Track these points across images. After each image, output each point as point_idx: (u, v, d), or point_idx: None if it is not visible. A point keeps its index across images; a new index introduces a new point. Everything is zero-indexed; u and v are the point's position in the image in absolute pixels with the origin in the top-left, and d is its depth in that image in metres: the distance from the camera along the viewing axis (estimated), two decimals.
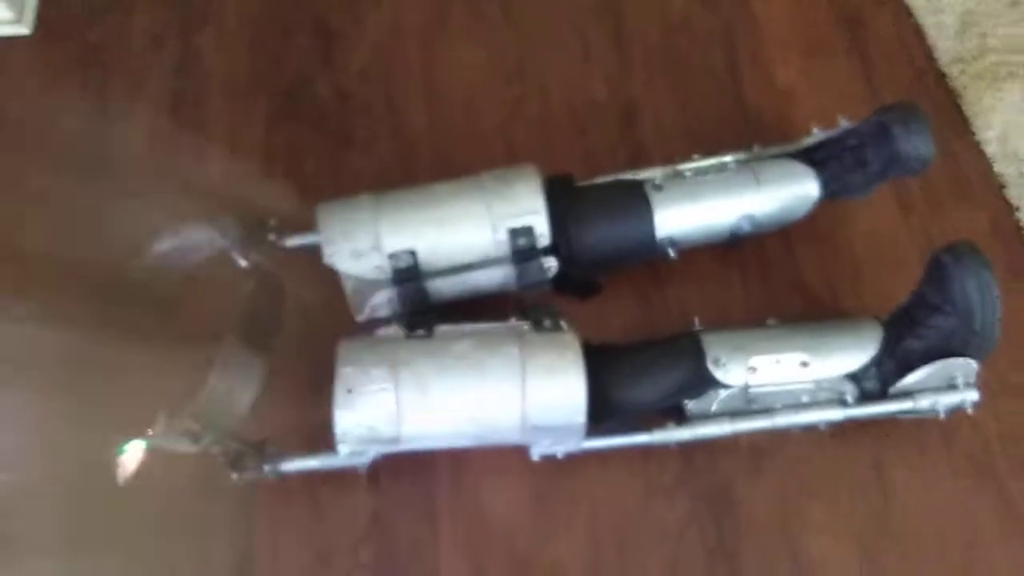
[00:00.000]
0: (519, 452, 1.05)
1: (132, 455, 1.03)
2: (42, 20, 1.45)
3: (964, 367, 1.02)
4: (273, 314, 1.08)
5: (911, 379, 1.02)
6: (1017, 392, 1.13)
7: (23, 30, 1.44)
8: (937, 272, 1.00)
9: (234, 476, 1.01)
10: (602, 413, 1.02)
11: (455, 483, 1.09)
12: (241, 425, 1.02)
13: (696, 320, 1.10)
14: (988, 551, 1.05)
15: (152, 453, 1.09)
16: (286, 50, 1.42)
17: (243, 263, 1.06)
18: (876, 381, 1.05)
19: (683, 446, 1.08)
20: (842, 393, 1.04)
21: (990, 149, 1.30)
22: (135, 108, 1.37)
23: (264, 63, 1.41)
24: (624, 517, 1.07)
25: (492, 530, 1.07)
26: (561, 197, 1.12)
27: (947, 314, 1.00)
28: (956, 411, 1.05)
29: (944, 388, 1.03)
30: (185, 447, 0.99)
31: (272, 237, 1.16)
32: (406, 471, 1.09)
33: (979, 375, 1.03)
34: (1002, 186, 1.27)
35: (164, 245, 1.12)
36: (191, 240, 1.13)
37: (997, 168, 1.28)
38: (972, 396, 1.03)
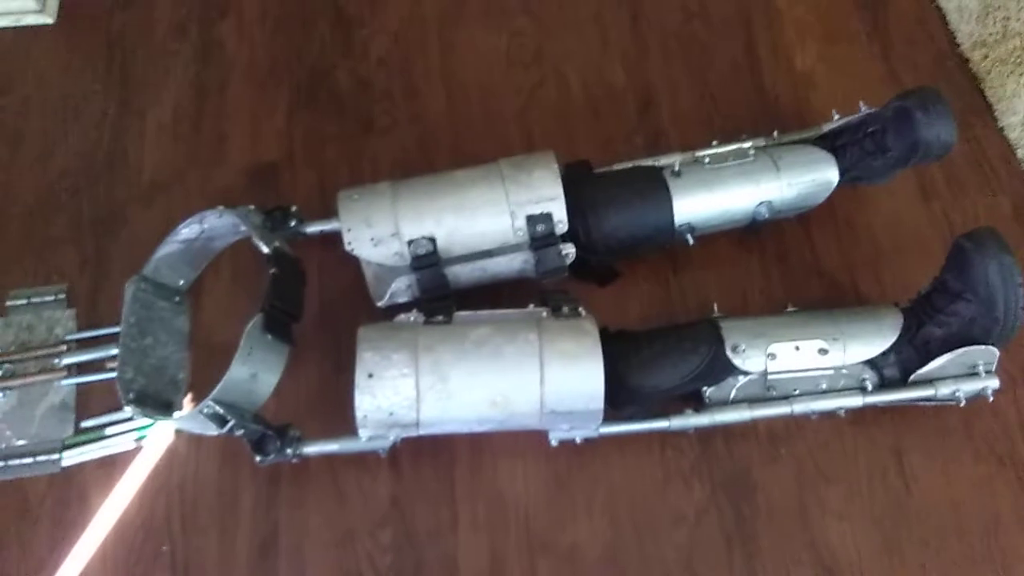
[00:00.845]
0: (538, 437, 1.05)
1: (157, 436, 1.06)
2: (65, 9, 1.47)
3: (985, 354, 1.01)
4: (295, 300, 1.09)
5: (931, 366, 1.02)
6: None
7: (47, 19, 1.46)
8: (958, 259, 1.00)
9: (257, 459, 1.02)
10: (620, 399, 1.03)
11: (474, 467, 1.11)
12: (264, 409, 1.04)
13: (715, 306, 1.10)
14: (1008, 538, 1.05)
15: (178, 435, 1.13)
16: (306, 39, 1.43)
17: (265, 249, 1.07)
18: (896, 368, 1.04)
19: (701, 432, 1.08)
20: (862, 380, 1.04)
21: (1014, 135, 1.28)
22: (158, 96, 1.38)
23: (285, 52, 1.42)
24: (642, 502, 1.08)
25: (510, 514, 1.08)
26: (579, 184, 1.12)
27: (968, 301, 0.99)
28: (976, 399, 1.04)
29: (965, 376, 1.03)
30: (210, 430, 1.01)
31: (293, 224, 1.17)
32: (426, 455, 1.10)
33: (999, 362, 1.02)
34: None
35: (189, 232, 1.14)
36: (214, 227, 1.14)
37: (1021, 153, 1.27)
38: (993, 384, 1.03)
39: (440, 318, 1.04)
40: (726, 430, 1.09)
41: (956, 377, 1.03)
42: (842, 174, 1.14)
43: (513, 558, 1.06)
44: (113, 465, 1.12)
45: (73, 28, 1.46)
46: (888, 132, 1.09)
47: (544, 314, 1.04)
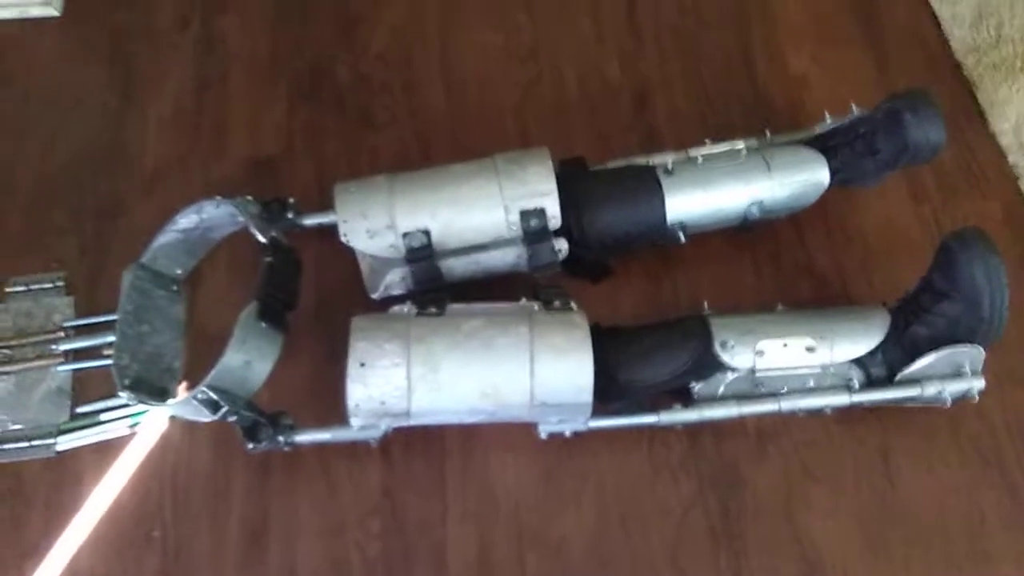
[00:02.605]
0: (528, 430, 1.07)
1: (152, 423, 1.07)
2: (70, 2, 1.48)
3: (971, 354, 1.02)
4: (290, 289, 1.10)
5: (918, 366, 1.03)
6: (1023, 382, 1.14)
7: (52, 12, 1.47)
8: (945, 258, 1.01)
9: (249, 446, 1.04)
10: (610, 393, 1.04)
11: (464, 459, 1.12)
12: (258, 397, 1.05)
13: (705, 304, 1.11)
14: (992, 539, 1.06)
15: (172, 422, 1.14)
16: (307, 33, 1.44)
17: (261, 239, 1.09)
18: (883, 367, 1.05)
19: (689, 428, 1.09)
20: (849, 379, 1.05)
21: (1005, 140, 1.30)
22: (159, 89, 1.40)
23: (285, 45, 1.43)
24: (630, 496, 1.09)
25: (500, 506, 1.09)
26: (573, 180, 1.14)
27: (954, 300, 1.00)
28: (963, 399, 1.05)
29: (951, 376, 1.04)
30: (203, 416, 1.02)
31: (291, 216, 1.18)
32: (417, 446, 1.11)
33: (986, 363, 1.03)
34: (1016, 177, 1.27)
35: (186, 221, 1.15)
36: (212, 217, 1.16)
37: (1011, 159, 1.28)
38: (979, 384, 1.04)
39: (433, 310, 1.05)
40: (714, 426, 1.10)
41: (942, 377, 1.04)
42: (833, 175, 1.15)
43: (502, 550, 1.07)
44: (107, 451, 1.13)
45: (78, 20, 1.47)
46: (879, 133, 1.10)
47: (536, 308, 1.05)
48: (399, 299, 1.09)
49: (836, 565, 1.05)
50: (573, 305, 1.06)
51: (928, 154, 1.10)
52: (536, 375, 0.99)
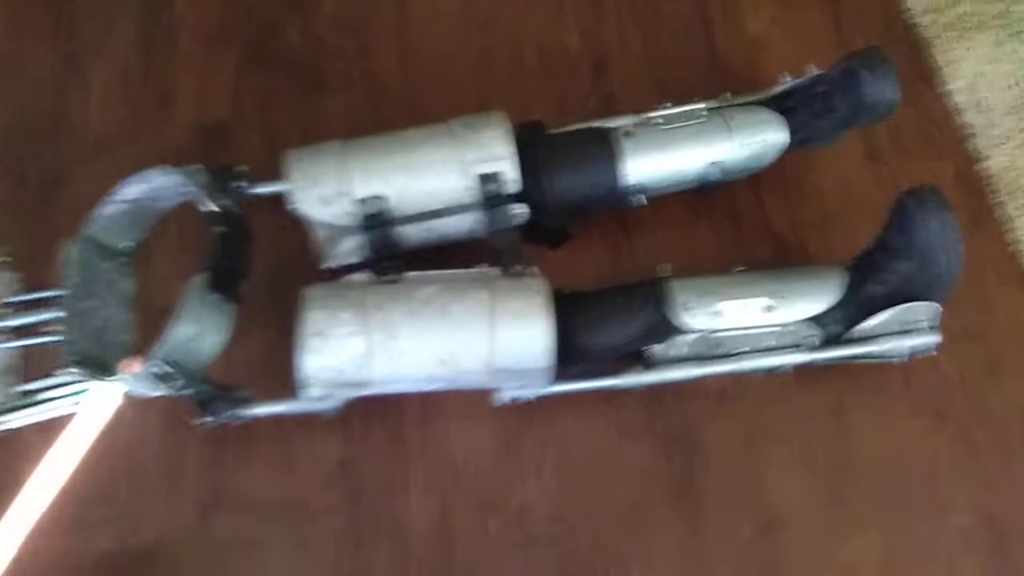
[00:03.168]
0: (488, 397, 1.06)
1: (99, 396, 1.04)
2: None
3: (927, 310, 1.04)
4: (241, 259, 1.08)
5: (874, 322, 1.04)
6: (976, 338, 1.16)
7: None
8: (900, 216, 1.02)
9: (204, 420, 1.01)
10: (570, 357, 1.03)
11: (424, 428, 1.11)
12: (212, 372, 1.03)
13: (666, 267, 1.11)
14: (944, 487, 1.08)
15: (123, 398, 1.11)
16: None
17: (211, 208, 1.06)
18: (840, 325, 1.06)
19: (650, 390, 1.09)
20: (806, 337, 1.06)
21: (958, 99, 1.30)
22: (103, 53, 1.34)
23: (234, 8, 1.38)
24: (591, 460, 1.09)
25: (460, 474, 1.08)
26: (531, 144, 1.12)
27: (909, 258, 1.01)
28: (918, 355, 1.06)
29: (906, 332, 1.05)
30: (155, 390, 1.00)
31: (241, 184, 1.15)
32: (375, 416, 1.10)
33: (941, 320, 1.04)
34: (969, 136, 1.28)
35: (132, 191, 1.11)
36: (159, 186, 1.12)
37: (965, 118, 1.29)
38: (935, 339, 1.05)
39: (390, 278, 1.03)
40: (675, 388, 1.10)
41: (898, 333, 1.05)
42: (792, 135, 1.15)
43: (463, 517, 1.07)
44: (54, 429, 1.10)
45: None
46: (835, 92, 1.10)
47: (495, 274, 1.04)
48: (354, 268, 1.07)
49: (795, 520, 1.06)
50: (533, 270, 1.05)
51: (884, 111, 1.10)
52: (496, 340, 0.98)
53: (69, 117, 1.30)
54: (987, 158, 1.26)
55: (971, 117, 1.29)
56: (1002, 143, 1.26)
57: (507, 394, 1.04)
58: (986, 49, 1.32)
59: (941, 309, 1.04)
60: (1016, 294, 1.18)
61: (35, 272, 1.19)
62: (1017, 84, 1.30)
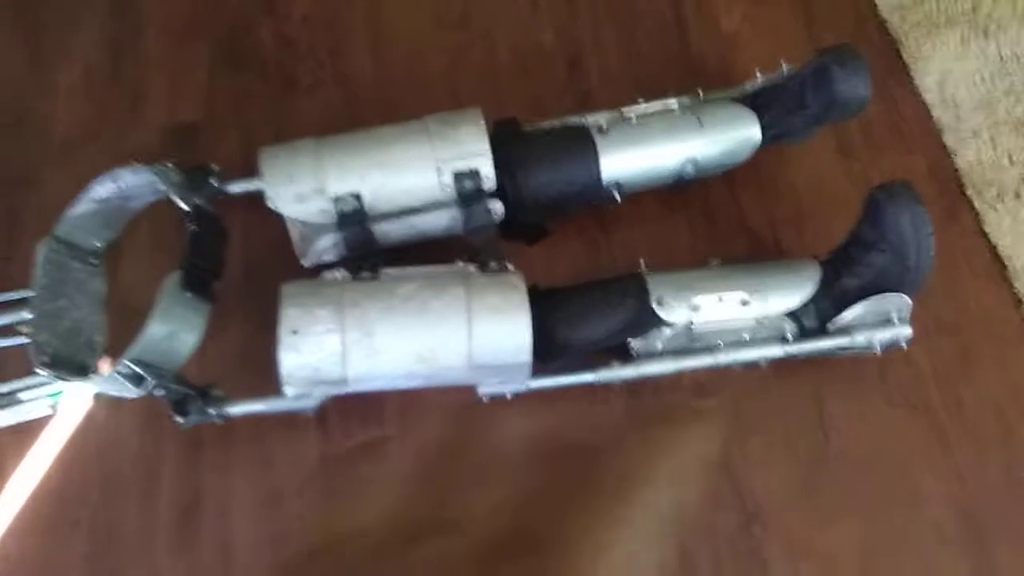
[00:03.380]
0: (467, 392, 1.05)
1: (72, 398, 1.03)
2: None
3: (898, 303, 1.05)
4: (216, 258, 1.06)
5: (848, 316, 1.05)
6: (949, 331, 1.17)
7: None
8: (872, 209, 1.03)
9: (179, 420, 1.00)
10: (549, 353, 1.03)
11: (403, 424, 1.10)
12: (187, 371, 1.01)
13: (642, 262, 1.11)
14: (917, 478, 1.09)
15: (95, 397, 1.09)
16: None
17: (184, 207, 1.04)
18: (815, 319, 1.07)
19: (628, 384, 1.09)
20: (782, 331, 1.06)
21: (929, 96, 1.32)
22: (70, 51, 1.32)
23: (204, 7, 1.37)
24: (570, 454, 1.09)
25: (440, 470, 1.07)
26: (507, 141, 1.12)
27: (882, 251, 1.02)
28: (892, 348, 1.08)
29: (880, 324, 1.06)
30: (128, 391, 0.98)
31: (214, 183, 1.14)
32: (355, 414, 1.09)
33: (912, 312, 1.06)
34: (940, 131, 1.30)
35: (102, 190, 1.10)
36: (130, 185, 1.10)
37: (935, 114, 1.31)
38: (906, 332, 1.06)
39: (367, 275, 1.03)
40: (654, 382, 1.10)
41: (872, 326, 1.06)
42: (764, 131, 1.16)
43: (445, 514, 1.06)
44: (27, 432, 1.08)
45: None
46: (807, 88, 1.12)
47: (472, 270, 1.04)
48: (331, 266, 1.06)
49: (773, 513, 1.06)
50: (509, 266, 1.05)
51: (855, 107, 1.11)
52: (474, 336, 0.98)
53: (35, 117, 1.28)
54: (956, 154, 1.28)
55: (940, 113, 1.31)
56: (970, 138, 1.28)
57: (487, 390, 1.04)
58: (954, 46, 1.34)
59: (911, 302, 1.05)
60: (988, 287, 1.20)
61: (2, 273, 1.17)
62: (984, 80, 1.32)
